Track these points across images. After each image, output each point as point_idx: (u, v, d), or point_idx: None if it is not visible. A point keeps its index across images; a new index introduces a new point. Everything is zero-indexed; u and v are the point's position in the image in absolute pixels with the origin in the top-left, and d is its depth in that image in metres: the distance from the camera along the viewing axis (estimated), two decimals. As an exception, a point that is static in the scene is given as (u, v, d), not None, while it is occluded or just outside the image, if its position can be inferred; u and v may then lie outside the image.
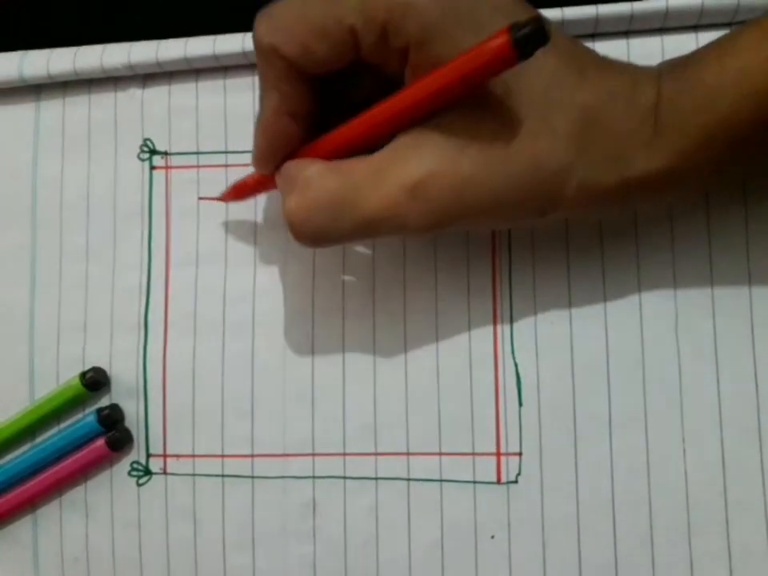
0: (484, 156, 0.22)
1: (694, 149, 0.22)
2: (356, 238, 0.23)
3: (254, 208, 0.30)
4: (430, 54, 0.21)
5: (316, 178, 0.23)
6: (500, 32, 0.19)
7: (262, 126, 0.24)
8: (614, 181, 0.22)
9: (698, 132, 0.22)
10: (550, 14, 0.27)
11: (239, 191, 0.28)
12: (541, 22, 0.19)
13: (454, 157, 0.22)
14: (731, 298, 0.28)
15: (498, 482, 0.28)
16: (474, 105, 0.22)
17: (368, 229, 0.23)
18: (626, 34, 0.29)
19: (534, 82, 0.22)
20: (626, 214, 0.28)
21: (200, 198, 0.30)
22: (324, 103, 0.24)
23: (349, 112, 0.23)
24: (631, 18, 0.27)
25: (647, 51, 0.28)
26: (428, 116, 0.22)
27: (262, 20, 0.23)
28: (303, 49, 0.22)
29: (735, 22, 0.28)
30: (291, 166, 0.24)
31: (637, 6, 0.27)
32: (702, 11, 0.27)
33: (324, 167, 0.23)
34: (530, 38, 0.19)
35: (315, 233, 0.23)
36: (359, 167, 0.23)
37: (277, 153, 0.25)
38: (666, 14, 0.27)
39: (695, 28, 0.28)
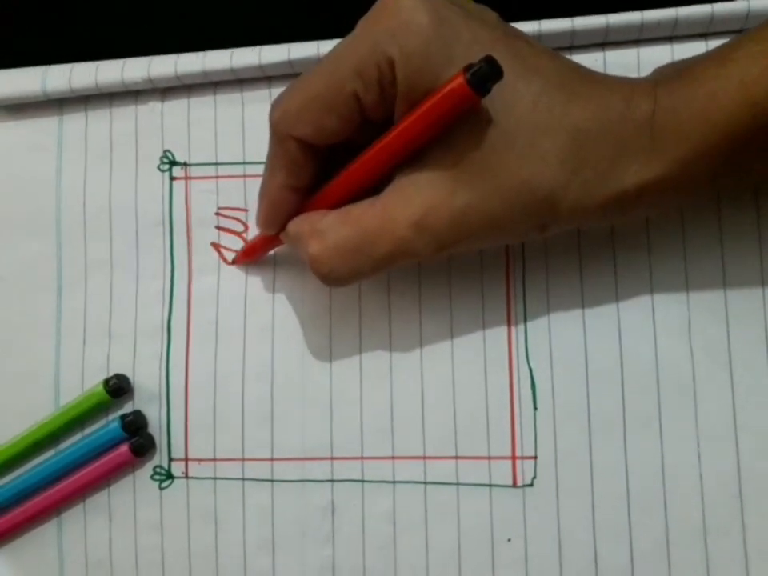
0: (476, 185, 0.23)
1: (691, 157, 0.22)
2: (378, 273, 0.25)
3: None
4: (417, 97, 0.22)
5: (330, 229, 0.24)
6: (456, 75, 0.21)
7: (267, 199, 0.26)
8: (610, 194, 0.23)
9: (695, 141, 0.22)
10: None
11: (249, 253, 0.30)
12: (491, 60, 0.20)
13: (448, 190, 0.23)
14: (744, 302, 0.28)
15: (514, 485, 0.28)
16: (463, 138, 0.23)
17: (386, 264, 0.24)
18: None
19: (518, 108, 0.22)
20: (631, 221, 0.28)
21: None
22: (328, 163, 0.26)
23: (346, 155, 0.25)
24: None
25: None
26: (415, 154, 0.23)
27: (275, 110, 0.24)
28: (316, 127, 0.24)
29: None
30: (301, 222, 0.26)
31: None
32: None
33: (335, 218, 0.25)
34: (482, 76, 0.20)
35: (340, 277, 0.25)
36: (368, 212, 0.24)
37: (281, 218, 0.27)
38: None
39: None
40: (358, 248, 0.24)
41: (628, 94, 0.22)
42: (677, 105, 0.22)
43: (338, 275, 0.25)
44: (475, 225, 0.23)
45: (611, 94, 0.23)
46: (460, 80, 0.21)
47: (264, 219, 0.27)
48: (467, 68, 0.21)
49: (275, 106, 0.24)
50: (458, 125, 0.22)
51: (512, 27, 0.24)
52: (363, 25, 0.23)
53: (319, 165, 0.25)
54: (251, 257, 0.30)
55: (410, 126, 0.22)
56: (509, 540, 0.28)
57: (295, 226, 0.26)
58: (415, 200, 0.23)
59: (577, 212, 0.23)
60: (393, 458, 0.29)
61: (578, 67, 0.24)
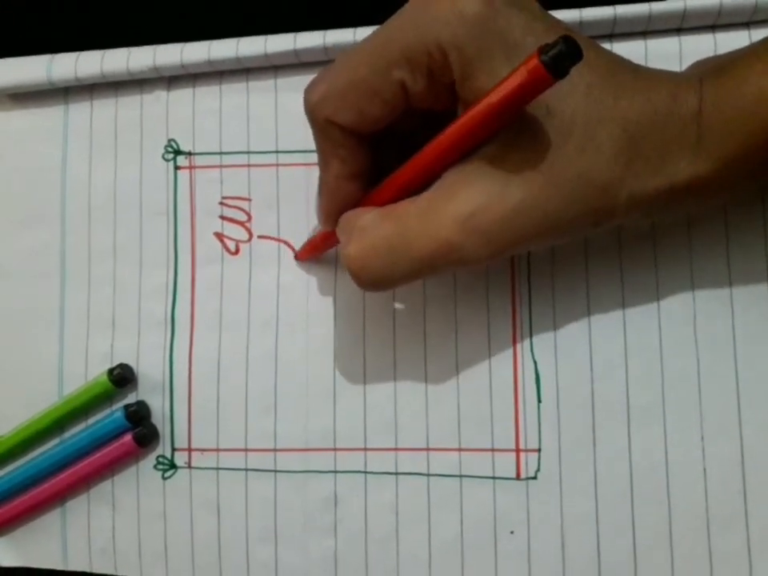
0: (531, 181, 0.22)
1: (739, 153, 0.22)
2: (416, 277, 0.23)
3: (277, 207, 0.30)
4: (473, 87, 0.22)
5: (370, 226, 0.23)
6: (531, 56, 0.20)
7: (328, 192, 0.25)
8: (662, 188, 0.22)
9: (742, 137, 0.21)
10: (568, 15, 0.27)
11: (310, 250, 0.29)
12: (569, 39, 0.19)
13: (501, 186, 0.22)
14: (749, 295, 0.28)
15: (518, 477, 0.28)
16: (515, 132, 0.22)
17: (426, 267, 0.23)
18: (644, 34, 0.29)
19: (571, 101, 0.22)
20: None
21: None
22: (380, 150, 0.25)
23: (404, 148, 0.24)
24: (649, 18, 0.28)
25: (665, 51, 0.28)
26: (475, 148, 0.22)
27: (312, 93, 0.23)
28: (358, 113, 0.23)
29: (753, 22, 0.28)
30: (347, 218, 0.25)
31: (655, 6, 0.27)
32: (720, 11, 0.27)
33: (377, 214, 0.23)
34: (560, 56, 0.19)
35: (376, 278, 0.23)
36: (410, 209, 0.23)
37: (342, 211, 0.25)
38: (684, 14, 0.27)
39: (713, 28, 0.28)
40: (396, 247, 0.23)
41: (674, 89, 0.22)
42: (723, 102, 0.21)
43: (371, 276, 0.23)
44: (529, 224, 0.22)
45: (658, 89, 0.22)
46: (535, 62, 0.19)
47: (324, 213, 0.25)
48: (542, 49, 0.19)
49: (312, 89, 0.23)
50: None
51: (555, 17, 0.23)
52: (412, 8, 0.22)
53: (371, 150, 0.24)
54: (312, 253, 0.29)
55: (478, 115, 0.21)
56: (512, 532, 0.28)
57: (342, 222, 0.25)
58: (462, 197, 0.22)
59: (632, 205, 0.23)
60: (396, 449, 0.29)
61: (623, 60, 0.23)
